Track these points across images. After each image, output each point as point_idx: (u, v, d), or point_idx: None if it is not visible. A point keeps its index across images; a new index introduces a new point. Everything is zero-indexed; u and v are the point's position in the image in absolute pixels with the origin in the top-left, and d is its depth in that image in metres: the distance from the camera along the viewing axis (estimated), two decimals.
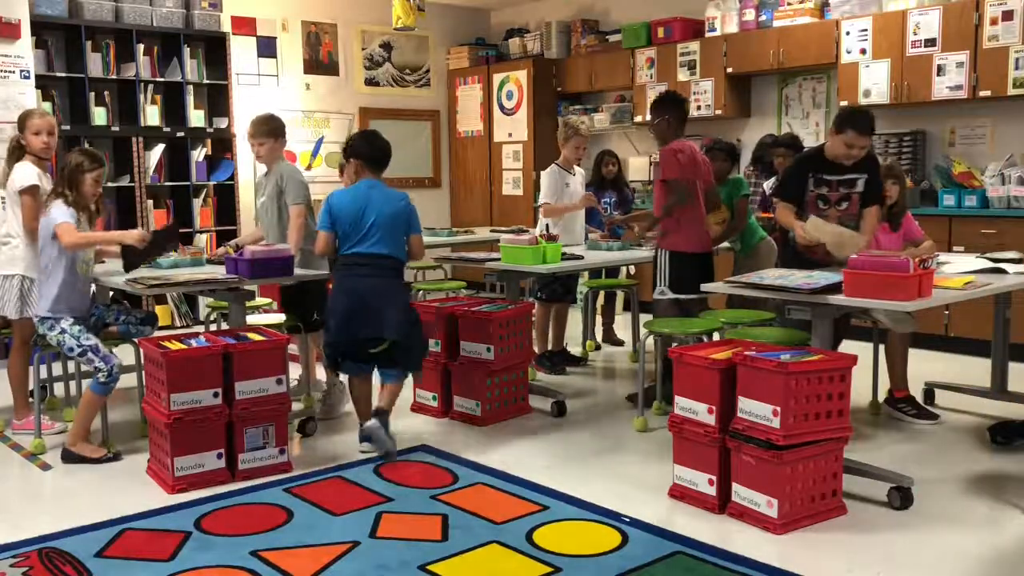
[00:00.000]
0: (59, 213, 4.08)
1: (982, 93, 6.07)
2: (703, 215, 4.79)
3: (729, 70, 7.49)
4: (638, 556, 3.06)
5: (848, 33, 6.69)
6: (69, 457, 4.09)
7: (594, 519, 3.40)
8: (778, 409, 3.19)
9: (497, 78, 9.27)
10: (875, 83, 6.56)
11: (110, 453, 4.12)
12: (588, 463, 4.07)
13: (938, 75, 6.25)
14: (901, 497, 3.45)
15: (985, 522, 3.34)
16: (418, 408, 4.91)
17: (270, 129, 4.80)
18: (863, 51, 6.61)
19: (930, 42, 6.28)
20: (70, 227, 4.05)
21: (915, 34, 6.35)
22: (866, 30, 6.59)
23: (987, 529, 3.27)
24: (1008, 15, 5.91)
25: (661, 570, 2.97)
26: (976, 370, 5.01)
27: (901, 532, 3.25)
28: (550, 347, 5.89)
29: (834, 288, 3.47)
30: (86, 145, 5.36)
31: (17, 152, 4.43)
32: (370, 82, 9.19)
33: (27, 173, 4.36)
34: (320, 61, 8.82)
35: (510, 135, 9.15)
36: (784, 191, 4.30)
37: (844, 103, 6.68)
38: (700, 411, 3.45)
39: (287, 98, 8.49)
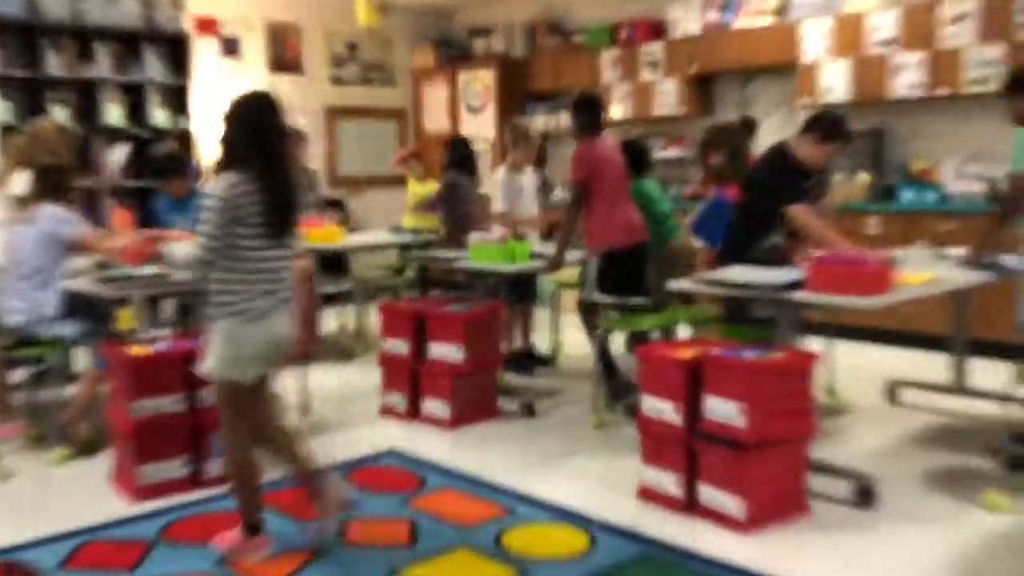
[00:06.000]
0: (69, 219, 4.08)
1: (939, 91, 6.18)
2: (623, 209, 4.77)
3: (692, 70, 7.55)
4: (606, 559, 3.08)
5: (809, 33, 6.76)
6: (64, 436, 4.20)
7: (562, 522, 3.41)
8: (744, 407, 3.22)
9: (463, 77, 9.26)
10: (835, 82, 6.64)
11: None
12: (556, 465, 4.08)
13: (897, 74, 6.35)
14: (865, 496, 3.50)
15: (946, 519, 3.39)
16: (386, 412, 4.90)
17: None
18: (823, 51, 6.69)
19: (889, 42, 6.37)
20: (97, 234, 4.10)
21: (874, 34, 6.44)
22: (826, 30, 6.67)
23: (948, 526, 3.32)
24: (963, 16, 6.01)
25: (629, 573, 2.99)
26: (935, 365, 5.09)
27: (864, 530, 3.30)
28: (516, 348, 5.90)
29: (796, 285, 3.51)
30: None
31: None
32: (336, 81, 9.14)
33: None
34: (285, 60, 8.76)
35: (477, 134, 9.15)
36: (792, 199, 4.05)
37: (804, 102, 6.76)
38: (667, 410, 3.47)
39: None
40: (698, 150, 5.34)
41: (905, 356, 5.83)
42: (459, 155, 6.14)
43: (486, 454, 4.24)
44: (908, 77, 6.29)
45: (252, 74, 8.47)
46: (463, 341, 4.58)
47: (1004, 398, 3.48)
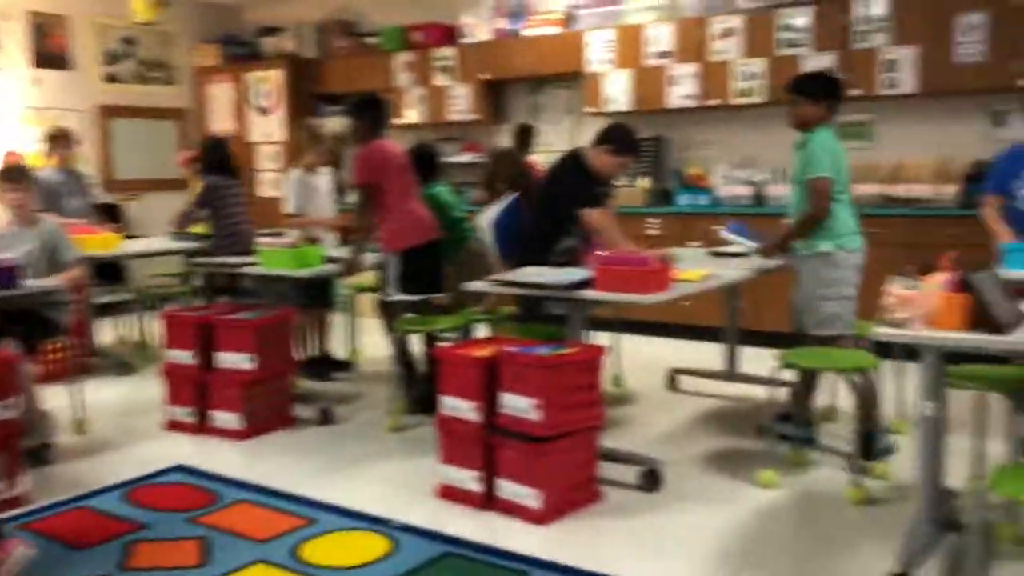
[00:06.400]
0: None
1: (711, 102, 6.64)
2: (414, 208, 4.79)
3: (483, 76, 7.68)
4: (408, 561, 3.06)
5: (593, 43, 7.07)
6: None
7: (363, 527, 3.36)
8: (539, 402, 3.30)
9: (250, 77, 8.93)
10: (618, 91, 6.98)
11: None
12: (356, 470, 4.01)
13: (672, 85, 6.76)
14: (652, 479, 3.69)
15: (726, 497, 3.64)
16: (173, 426, 4.63)
17: None
18: (606, 61, 7.01)
19: (665, 54, 6.77)
20: None
21: (652, 46, 6.82)
22: (610, 41, 6.99)
23: (728, 503, 3.56)
24: (730, 32, 6.49)
25: (431, 572, 2.98)
26: (711, 354, 5.46)
27: (653, 512, 3.47)
28: (312, 353, 5.76)
29: (585, 284, 3.65)
30: None
31: None
32: (110, 78, 8.54)
33: None
34: (51, 55, 8.08)
35: (267, 135, 8.87)
36: (588, 204, 4.20)
37: (590, 110, 7.06)
38: (465, 408, 3.51)
39: (11, 94, 7.71)
40: (483, 177, 5.38)
41: (685, 347, 6.20)
42: (215, 157, 5.90)
43: (283, 464, 4.10)
44: (683, 88, 6.71)
45: (11, 69, 7.77)
46: (254, 349, 4.42)
47: (770, 382, 3.80)
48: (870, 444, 3.81)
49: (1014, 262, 3.92)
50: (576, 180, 4.28)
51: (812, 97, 3.95)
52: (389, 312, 4.89)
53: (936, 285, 2.76)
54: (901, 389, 4.24)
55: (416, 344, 5.04)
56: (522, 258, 4.27)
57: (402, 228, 4.71)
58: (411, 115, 8.08)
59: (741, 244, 4.62)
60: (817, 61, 6.04)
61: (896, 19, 5.85)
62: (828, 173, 3.88)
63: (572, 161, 4.36)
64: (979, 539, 2.92)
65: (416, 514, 3.45)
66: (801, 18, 6.19)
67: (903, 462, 3.70)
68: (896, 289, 2.83)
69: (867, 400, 3.86)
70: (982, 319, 2.62)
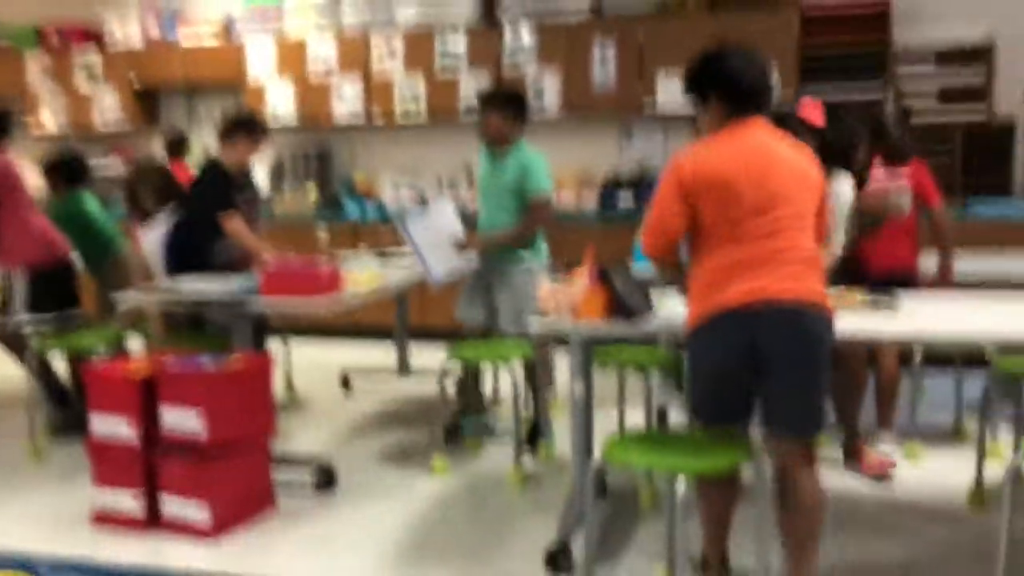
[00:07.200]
0: None
1: (375, 118, 6.77)
2: (38, 223, 4.43)
3: (135, 84, 7.22)
4: None
5: (254, 55, 6.91)
6: None
7: (12, 570, 2.99)
8: (202, 413, 3.16)
9: None
10: (282, 104, 6.88)
11: None
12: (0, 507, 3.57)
13: (338, 100, 6.80)
14: (326, 479, 3.68)
15: (401, 489, 3.72)
16: None
17: None
18: (268, 73, 6.89)
19: (329, 70, 6.80)
20: None
21: (315, 60, 6.82)
22: (270, 53, 6.88)
23: (402, 496, 3.65)
24: (393, 50, 6.67)
25: None
26: (384, 353, 5.57)
27: (327, 512, 3.47)
28: None
29: (252, 291, 3.56)
30: None
31: None
32: None
33: None
34: None
35: None
36: (226, 207, 4.18)
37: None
38: (121, 427, 3.26)
39: None
40: (125, 194, 4.90)
41: (357, 348, 6.24)
42: None
43: None
44: (348, 103, 6.78)
45: None
46: None
47: (440, 376, 3.95)
48: (534, 429, 4.09)
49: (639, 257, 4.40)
50: (213, 184, 4.26)
51: (504, 111, 3.98)
52: (14, 337, 4.39)
53: (580, 281, 3.04)
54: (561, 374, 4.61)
55: (59, 364, 4.59)
56: (184, 265, 4.09)
57: (27, 245, 4.31)
58: (50, 121, 7.37)
59: (447, 222, 4.27)
60: (475, 83, 6.40)
61: (541, 46, 6.38)
62: (550, 188, 3.99)
63: (210, 166, 4.35)
64: (622, 503, 3.26)
65: (70, 545, 3.16)
66: (457, 41, 6.53)
67: (562, 441, 3.99)
68: (547, 286, 3.10)
69: (533, 388, 4.14)
70: (617, 308, 2.91)
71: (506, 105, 4.02)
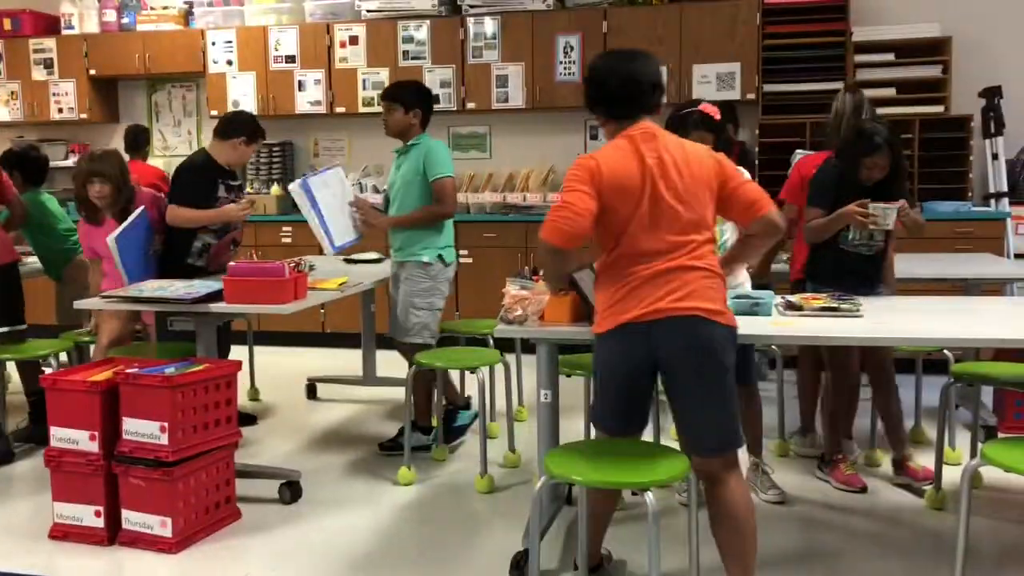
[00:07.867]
0: None
1: (338, 109, 6.69)
2: None
3: (92, 72, 7.05)
4: None
5: (214, 43, 6.79)
6: None
7: None
8: (165, 425, 3.12)
9: None
10: (243, 94, 6.77)
11: None
12: None
13: (300, 90, 6.71)
14: (291, 491, 3.64)
15: (366, 498, 3.70)
16: None
17: None
18: (229, 62, 6.78)
19: (291, 59, 6.70)
20: None
21: (276, 50, 6.71)
22: (231, 42, 6.76)
23: (368, 505, 3.63)
24: (355, 40, 6.59)
25: None
26: (351, 360, 5.50)
27: (292, 524, 3.43)
28: None
29: (215, 296, 3.50)
30: None
31: None
32: None
33: None
34: None
35: None
36: (195, 199, 4.14)
37: (214, 113, 6.77)
38: (81, 439, 3.21)
39: None
40: (77, 189, 4.84)
41: (323, 355, 6.19)
42: None
43: None
44: (311, 94, 6.69)
45: None
46: None
47: (408, 385, 3.91)
48: (448, 424, 4.17)
49: None
50: (201, 177, 4.20)
51: (405, 105, 4.01)
52: None
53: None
54: (521, 380, 4.61)
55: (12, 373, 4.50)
56: (159, 264, 4.09)
57: None
58: (3, 112, 7.18)
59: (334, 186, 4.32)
60: (438, 74, 6.34)
61: (504, 38, 6.33)
62: (452, 173, 4.01)
63: (199, 157, 4.29)
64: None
65: (27, 562, 3.10)
66: (420, 31, 6.46)
67: (527, 446, 4.00)
68: (512, 289, 3.06)
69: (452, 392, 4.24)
70: (586, 312, 2.89)
71: (405, 98, 4.04)
